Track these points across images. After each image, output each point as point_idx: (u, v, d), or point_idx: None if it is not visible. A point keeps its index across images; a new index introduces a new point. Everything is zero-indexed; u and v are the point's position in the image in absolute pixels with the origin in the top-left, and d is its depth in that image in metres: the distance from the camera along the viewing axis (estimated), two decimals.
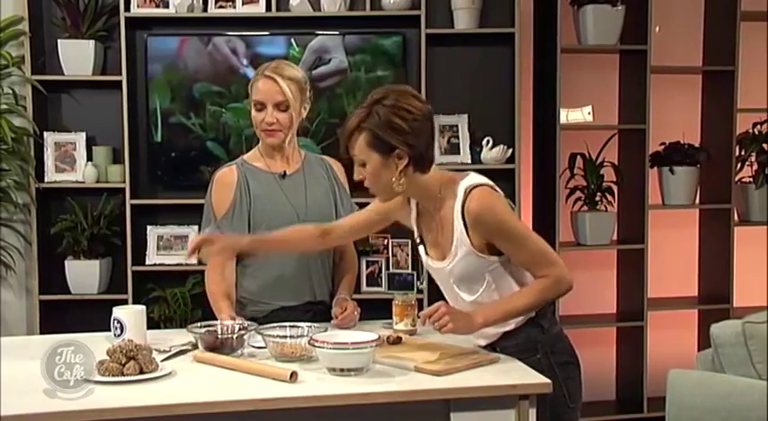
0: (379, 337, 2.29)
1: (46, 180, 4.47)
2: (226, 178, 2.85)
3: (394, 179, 2.35)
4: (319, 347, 2.23)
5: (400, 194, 2.44)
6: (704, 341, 4.81)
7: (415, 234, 2.56)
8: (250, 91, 2.84)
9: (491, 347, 2.47)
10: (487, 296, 2.40)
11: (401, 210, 2.58)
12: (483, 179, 2.41)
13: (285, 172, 2.88)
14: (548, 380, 2.19)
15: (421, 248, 2.54)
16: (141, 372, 2.20)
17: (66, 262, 4.47)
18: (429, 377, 2.22)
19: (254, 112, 2.82)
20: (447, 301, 2.48)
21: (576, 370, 2.48)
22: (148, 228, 4.54)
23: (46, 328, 4.37)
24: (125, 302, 4.35)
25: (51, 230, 4.46)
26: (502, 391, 2.17)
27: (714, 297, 4.83)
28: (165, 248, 4.53)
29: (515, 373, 2.26)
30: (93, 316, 4.34)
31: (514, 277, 2.41)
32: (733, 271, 4.72)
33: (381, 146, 2.33)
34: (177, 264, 4.50)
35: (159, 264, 4.51)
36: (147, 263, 4.51)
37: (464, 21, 4.49)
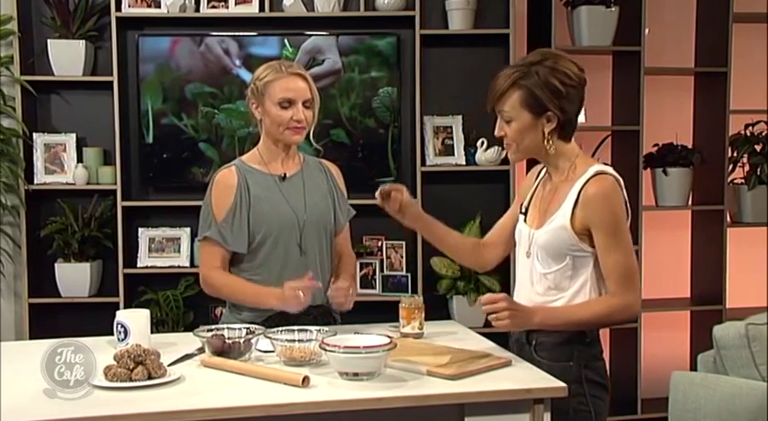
0: (391, 341, 2.26)
1: (35, 182, 4.41)
2: (226, 180, 2.80)
3: (545, 142, 2.37)
4: (330, 351, 2.20)
5: (530, 155, 2.46)
6: (697, 342, 4.83)
7: (524, 204, 2.54)
8: (261, 91, 2.77)
9: (526, 339, 2.43)
10: (559, 277, 2.37)
11: (529, 189, 2.57)
12: (615, 172, 2.39)
13: (285, 174, 2.84)
14: (562, 385, 2.16)
15: (521, 217, 2.53)
16: (150, 378, 2.16)
17: (56, 264, 4.42)
18: (442, 381, 2.19)
19: (277, 111, 2.75)
20: (516, 272, 2.53)
21: (605, 393, 2.41)
22: (140, 230, 4.50)
23: (35, 332, 4.32)
24: (116, 305, 4.31)
25: (41, 233, 4.41)
26: (516, 395, 2.14)
27: (707, 298, 4.84)
28: (157, 250, 4.49)
29: (529, 377, 2.23)
30: (83, 319, 4.32)
31: (593, 276, 2.36)
32: (726, 272, 4.73)
33: (535, 106, 2.34)
34: (169, 267, 4.46)
35: (151, 267, 4.46)
36: (138, 265, 4.47)
37: (458, 21, 4.48)
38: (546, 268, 2.39)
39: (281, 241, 2.78)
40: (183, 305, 4.42)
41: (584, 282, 2.36)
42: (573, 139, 2.44)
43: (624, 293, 2.32)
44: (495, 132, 2.45)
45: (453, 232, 2.76)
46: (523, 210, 2.54)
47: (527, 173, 4.44)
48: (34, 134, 4.42)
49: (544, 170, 2.55)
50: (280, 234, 2.78)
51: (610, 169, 2.39)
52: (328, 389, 2.15)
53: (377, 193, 2.64)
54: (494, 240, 2.72)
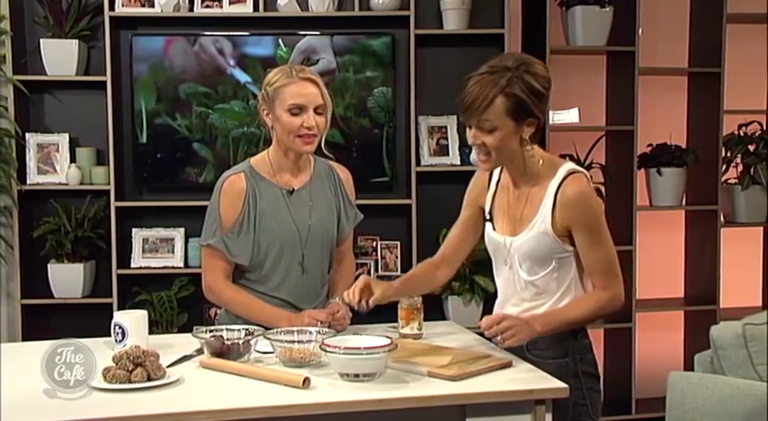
0: (392, 341, 2.25)
1: (28, 182, 4.38)
2: (234, 187, 2.72)
3: (527, 148, 2.33)
4: (331, 352, 2.19)
5: (500, 164, 2.40)
6: (692, 342, 4.84)
7: (486, 210, 2.51)
8: (272, 96, 2.69)
9: None
10: (546, 281, 2.38)
11: (485, 193, 2.54)
12: (581, 168, 2.38)
13: (293, 189, 2.79)
14: (564, 385, 2.16)
15: (488, 225, 2.50)
16: (149, 379, 2.14)
17: (49, 265, 4.39)
18: (443, 382, 2.18)
19: (288, 118, 2.66)
20: (495, 279, 2.52)
21: (598, 384, 2.45)
22: (133, 230, 4.47)
23: (28, 333, 4.29)
24: (110, 306, 4.30)
25: (34, 233, 4.38)
26: (518, 396, 2.14)
27: (701, 298, 4.84)
28: (151, 251, 4.46)
29: (530, 378, 2.23)
30: (77, 320, 4.32)
31: (577, 274, 2.38)
32: (720, 272, 4.73)
33: (520, 113, 2.28)
34: (163, 267, 4.44)
35: (145, 267, 4.44)
36: (132, 266, 4.44)
37: (453, 21, 4.48)
38: (532, 275, 2.39)
39: (284, 258, 2.75)
40: (177, 306, 4.40)
41: (570, 282, 2.39)
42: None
43: (610, 286, 2.36)
44: (471, 141, 2.36)
45: (416, 277, 2.67)
46: (488, 217, 2.51)
47: None
48: (27, 134, 4.39)
49: (497, 173, 2.50)
50: (282, 251, 2.74)
51: (578, 167, 2.39)
52: (329, 390, 2.14)
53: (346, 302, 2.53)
54: (449, 256, 2.66)
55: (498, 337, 2.24)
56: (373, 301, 2.44)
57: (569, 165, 2.38)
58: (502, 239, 2.44)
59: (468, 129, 2.36)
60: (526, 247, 2.37)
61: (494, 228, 2.48)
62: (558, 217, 2.32)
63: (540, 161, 2.39)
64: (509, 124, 2.29)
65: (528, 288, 2.41)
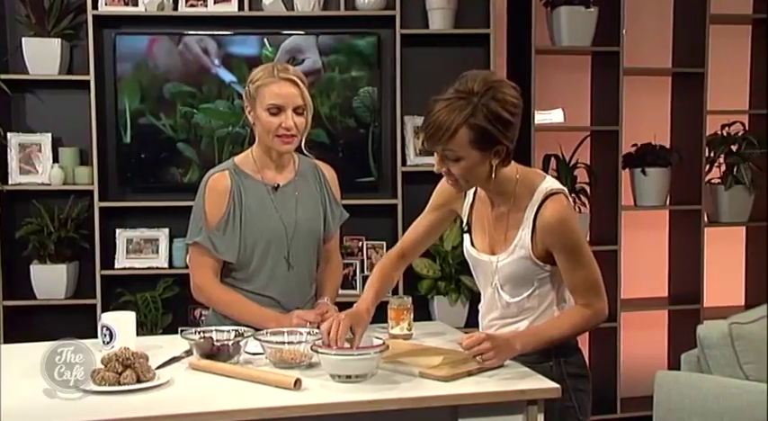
0: (384, 342, 2.24)
1: (10, 182, 4.34)
2: (219, 185, 2.72)
3: (492, 175, 2.25)
4: (323, 353, 2.18)
5: (469, 188, 2.37)
6: (676, 341, 4.86)
7: (464, 222, 2.48)
8: (253, 95, 2.69)
9: None
10: (527, 301, 2.37)
11: (460, 199, 2.49)
12: (559, 184, 2.34)
13: (278, 184, 2.78)
14: (556, 385, 2.16)
15: (466, 236, 2.47)
16: (139, 381, 2.12)
17: (31, 266, 4.35)
18: (436, 383, 2.17)
19: (266, 117, 2.66)
20: (481, 295, 2.49)
21: (587, 383, 2.44)
22: (117, 231, 4.44)
23: (10, 335, 4.24)
24: (93, 307, 4.28)
25: (16, 234, 4.34)
26: (510, 397, 2.13)
27: (685, 297, 4.86)
28: (135, 252, 4.43)
29: (522, 378, 2.22)
30: (60, 321, 4.29)
31: (557, 289, 2.37)
32: (703, 271, 4.76)
33: (485, 143, 2.19)
34: (147, 268, 4.41)
35: (129, 268, 4.41)
36: (116, 266, 4.41)
37: (439, 21, 4.48)
38: (514, 297, 2.38)
39: (270, 254, 2.74)
40: (162, 307, 4.37)
41: (551, 298, 2.38)
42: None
43: (595, 303, 2.34)
44: (436, 169, 2.29)
45: (382, 291, 2.57)
46: (466, 229, 2.48)
47: None
48: (8, 134, 4.34)
49: None
50: (268, 247, 2.73)
51: (555, 184, 2.33)
52: (321, 391, 2.13)
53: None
54: (409, 253, 2.66)
55: (478, 358, 2.23)
56: (357, 346, 2.34)
57: (547, 185, 2.32)
58: (481, 258, 2.42)
59: (434, 154, 2.28)
60: (507, 270, 2.35)
61: (472, 244, 2.46)
62: (538, 241, 2.30)
63: (517, 176, 2.33)
64: (474, 154, 2.21)
65: (509, 307, 2.39)
